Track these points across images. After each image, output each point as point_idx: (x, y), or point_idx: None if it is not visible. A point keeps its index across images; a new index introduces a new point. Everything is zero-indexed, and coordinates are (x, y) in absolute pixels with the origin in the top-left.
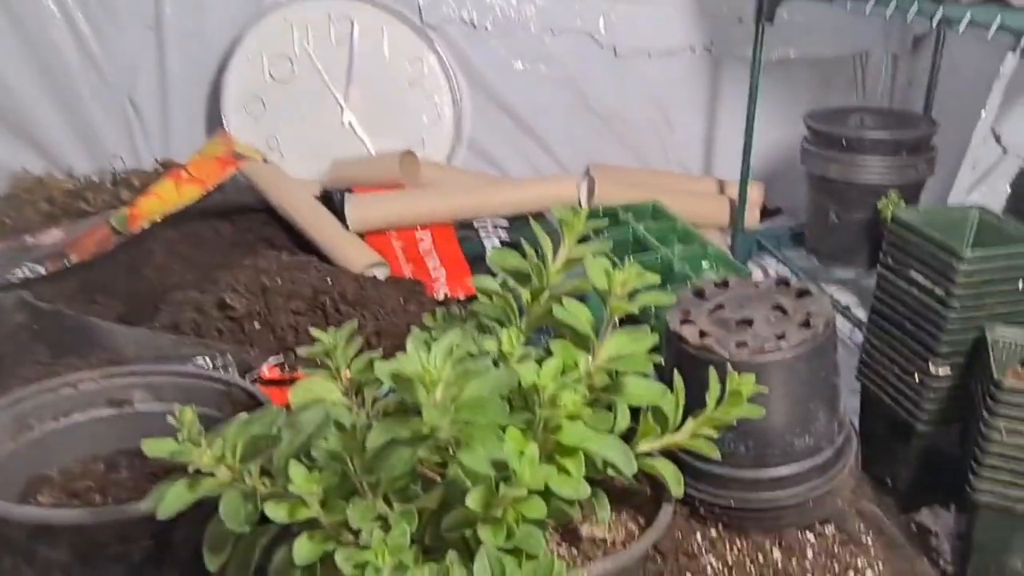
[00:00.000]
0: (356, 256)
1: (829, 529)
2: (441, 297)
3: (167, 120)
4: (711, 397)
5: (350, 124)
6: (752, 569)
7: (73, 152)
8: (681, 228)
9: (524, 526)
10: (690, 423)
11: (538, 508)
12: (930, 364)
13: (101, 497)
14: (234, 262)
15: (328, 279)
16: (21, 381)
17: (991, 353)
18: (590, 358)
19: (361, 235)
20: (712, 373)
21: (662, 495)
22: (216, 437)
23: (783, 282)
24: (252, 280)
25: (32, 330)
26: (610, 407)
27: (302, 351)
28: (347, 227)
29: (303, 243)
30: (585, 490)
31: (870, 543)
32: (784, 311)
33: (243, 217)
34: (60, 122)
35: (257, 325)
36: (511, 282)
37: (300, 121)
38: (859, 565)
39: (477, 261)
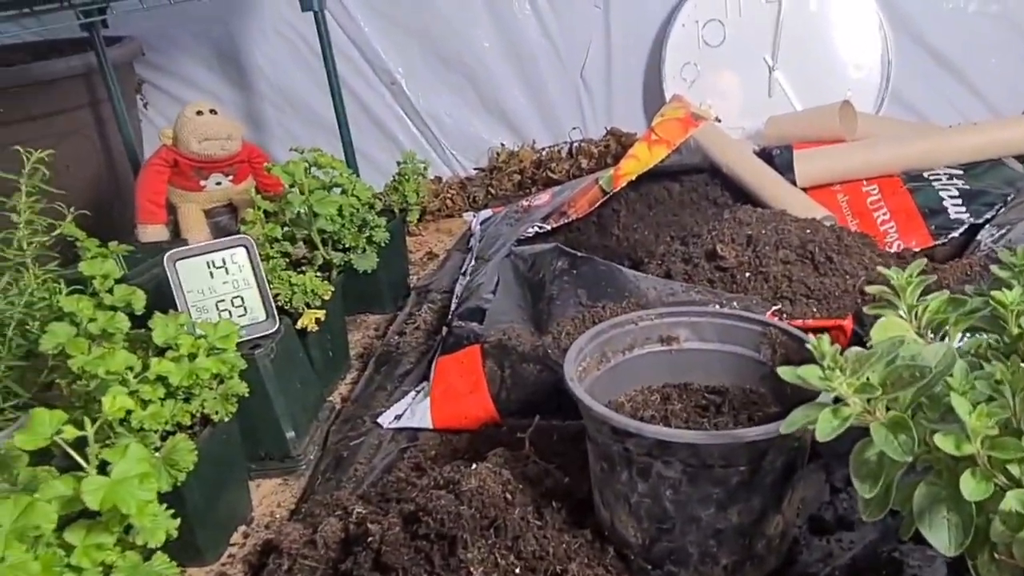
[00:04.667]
0: (804, 211)
1: None
2: (895, 250)
3: (610, 93)
4: None
5: (778, 83)
6: None
7: (535, 127)
8: None
9: None
10: None
11: None
12: None
13: (664, 425)
14: (686, 219)
15: (808, 229)
16: (570, 320)
17: None
18: None
19: (805, 191)
20: None
21: None
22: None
23: None
24: (736, 232)
25: (572, 274)
26: None
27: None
28: (793, 183)
29: (744, 200)
30: None
31: None
32: None
33: (689, 177)
34: (526, 100)
35: (748, 274)
36: None
37: (730, 83)
38: None
39: (933, 214)
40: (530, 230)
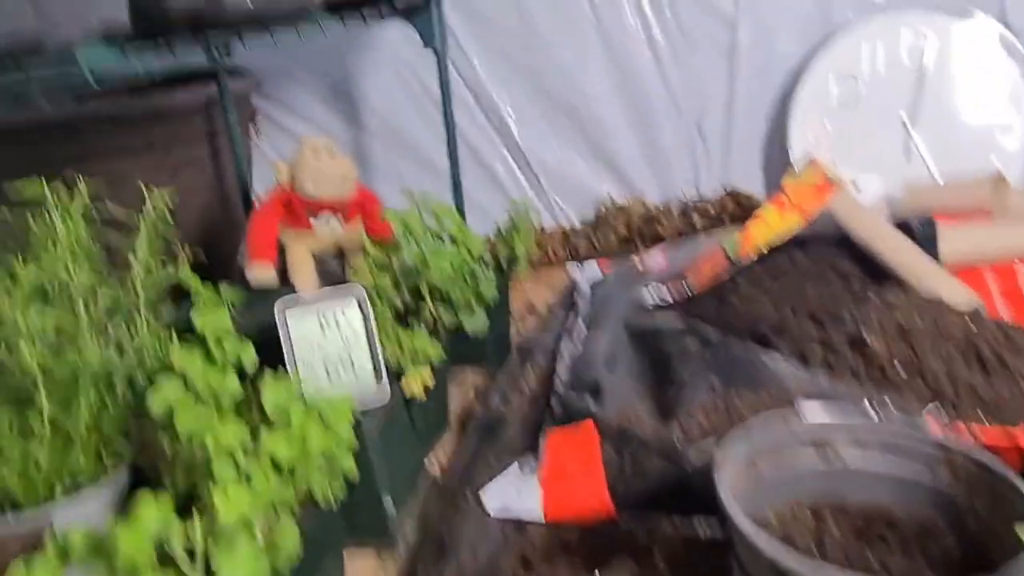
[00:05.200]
0: (951, 294)
1: None
2: None
3: (729, 149)
4: None
5: (915, 147)
6: None
7: (644, 178)
8: None
9: None
10: None
11: None
12: None
13: (818, 555)
14: (810, 292)
15: (971, 322)
16: (700, 409)
17: None
18: None
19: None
20: None
21: None
22: None
23: None
24: (885, 318)
25: (704, 357)
26: None
27: None
28: (935, 259)
29: (876, 275)
30: None
31: None
32: None
33: (815, 246)
34: (637, 150)
35: (902, 369)
36: None
37: (863, 145)
38: None
39: None
40: (648, 300)
